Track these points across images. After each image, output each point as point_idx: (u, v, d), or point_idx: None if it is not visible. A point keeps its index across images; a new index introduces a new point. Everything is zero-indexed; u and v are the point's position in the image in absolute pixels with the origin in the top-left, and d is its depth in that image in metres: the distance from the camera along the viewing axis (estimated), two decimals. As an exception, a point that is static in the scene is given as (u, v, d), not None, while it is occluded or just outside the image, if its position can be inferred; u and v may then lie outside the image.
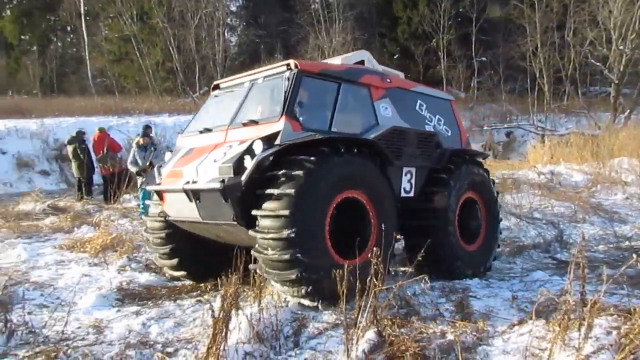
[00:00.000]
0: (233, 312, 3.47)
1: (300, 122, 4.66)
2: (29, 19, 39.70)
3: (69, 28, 40.62)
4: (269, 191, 4.24)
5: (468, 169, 5.84)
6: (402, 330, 3.81)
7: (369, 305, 3.70)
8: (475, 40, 29.19)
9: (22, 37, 40.65)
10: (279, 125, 4.55)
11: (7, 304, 4.28)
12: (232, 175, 4.33)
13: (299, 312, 4.31)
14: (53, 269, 6.27)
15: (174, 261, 5.39)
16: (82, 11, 34.54)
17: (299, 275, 4.12)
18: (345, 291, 3.57)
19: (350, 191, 4.60)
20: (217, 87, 5.93)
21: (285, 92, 4.70)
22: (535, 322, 3.68)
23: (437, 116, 6.07)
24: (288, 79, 4.78)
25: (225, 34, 33.52)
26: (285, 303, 4.49)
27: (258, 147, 4.41)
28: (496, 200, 6.22)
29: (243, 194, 4.30)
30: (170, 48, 28.67)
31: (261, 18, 35.90)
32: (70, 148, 12.54)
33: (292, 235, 4.09)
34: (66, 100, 27.08)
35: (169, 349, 3.78)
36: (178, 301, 4.94)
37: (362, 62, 5.85)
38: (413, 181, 5.52)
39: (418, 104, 5.90)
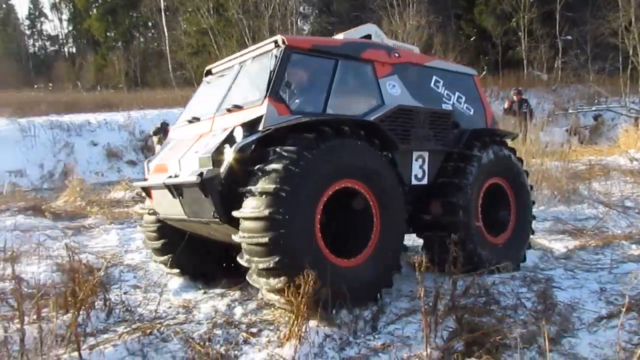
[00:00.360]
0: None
1: (288, 104, 4.20)
2: (113, 17, 42.14)
3: (150, 24, 42.68)
4: (247, 189, 3.79)
5: (492, 152, 5.23)
6: (482, 318, 3.76)
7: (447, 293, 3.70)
8: (560, 17, 27.56)
9: (108, 34, 43.24)
10: (262, 109, 4.08)
11: (106, 284, 4.63)
12: (211, 167, 3.91)
13: (377, 297, 4.35)
14: (144, 252, 6.70)
15: (167, 257, 5.07)
16: (162, 7, 36.17)
17: (287, 283, 3.56)
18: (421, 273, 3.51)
19: (346, 180, 4.05)
20: (209, 72, 5.49)
21: (271, 71, 4.23)
22: (627, 315, 3.51)
23: (457, 93, 5.48)
24: (275, 56, 4.30)
25: (298, 23, 33.86)
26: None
27: (238, 135, 3.98)
28: (527, 186, 5.61)
29: (224, 187, 3.88)
30: (246, 39, 29.35)
31: (333, 5, 35.88)
32: (155, 139, 13.23)
33: (275, 238, 3.57)
34: (149, 93, 28.55)
35: (253, 330, 3.95)
36: (259, 285, 5.11)
37: (368, 37, 5.33)
38: (426, 167, 4.96)
39: (433, 80, 5.32)
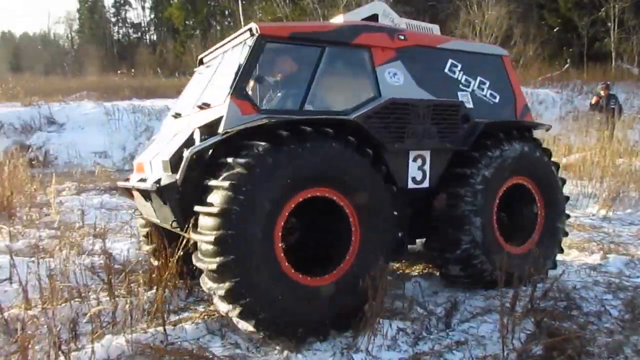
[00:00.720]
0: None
1: (256, 102, 3.82)
2: (192, 6, 43.57)
3: (226, 12, 43.71)
4: (197, 208, 3.39)
5: (513, 148, 4.54)
6: (562, 323, 3.63)
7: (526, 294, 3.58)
8: (654, 7, 25.62)
9: (187, 22, 44.78)
10: (223, 108, 3.68)
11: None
12: (170, 173, 3.60)
13: (451, 294, 4.30)
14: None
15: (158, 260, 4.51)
16: (239, -4, 36.91)
17: (232, 291, 3.18)
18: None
19: (316, 189, 3.55)
20: (201, 61, 5.05)
21: (239, 65, 3.81)
22: None
23: (479, 78, 4.79)
24: (249, 47, 3.86)
25: (372, 12, 33.48)
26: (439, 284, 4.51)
27: (197, 138, 3.64)
28: (557, 186, 4.90)
29: (182, 195, 3.52)
30: (320, 28, 29.38)
31: (409, -6, 35.21)
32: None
33: (227, 263, 3.17)
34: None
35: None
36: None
37: (374, 18, 4.69)
38: (427, 168, 4.32)
39: (449, 64, 4.66)
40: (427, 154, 4.31)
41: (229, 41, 4.38)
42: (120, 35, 56.62)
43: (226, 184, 3.22)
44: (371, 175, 3.75)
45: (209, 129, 3.66)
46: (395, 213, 3.85)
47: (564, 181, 5.06)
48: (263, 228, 3.29)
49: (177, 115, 4.51)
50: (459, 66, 4.70)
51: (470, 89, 4.72)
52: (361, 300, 3.51)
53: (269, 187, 3.31)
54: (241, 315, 3.27)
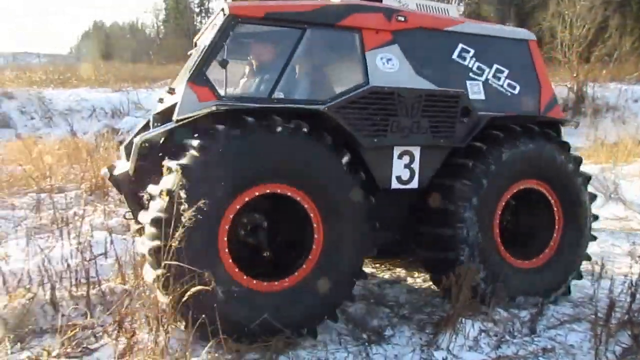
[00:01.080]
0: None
1: (215, 88, 3.46)
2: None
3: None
4: (147, 189, 3.25)
5: (523, 146, 3.98)
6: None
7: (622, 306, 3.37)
8: None
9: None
10: (179, 95, 3.48)
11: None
12: (126, 161, 3.43)
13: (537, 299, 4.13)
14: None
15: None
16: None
17: (165, 279, 2.94)
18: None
19: (271, 185, 3.25)
20: (196, 44, 4.69)
21: (205, 47, 3.56)
22: None
23: (496, 65, 4.23)
24: (218, 28, 3.58)
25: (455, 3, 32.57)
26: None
27: (151, 126, 3.47)
28: (580, 192, 4.25)
29: (134, 185, 3.39)
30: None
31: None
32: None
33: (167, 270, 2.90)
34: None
35: (404, 311, 3.99)
36: (409, 269, 5.11)
37: None
38: (416, 166, 3.83)
39: (458, 49, 4.13)
40: (416, 151, 3.83)
41: (211, 22, 4.16)
42: (202, 25, 58.57)
43: (168, 185, 2.99)
44: (337, 172, 3.37)
45: (164, 116, 3.53)
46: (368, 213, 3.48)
47: (593, 195, 4.45)
48: (206, 228, 3.01)
49: (160, 100, 4.30)
50: (472, 52, 4.17)
51: (482, 78, 4.20)
52: (321, 307, 3.29)
53: (214, 178, 3.07)
54: (173, 309, 2.93)
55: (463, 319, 3.47)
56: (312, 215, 3.35)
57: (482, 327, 3.54)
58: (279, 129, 3.23)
